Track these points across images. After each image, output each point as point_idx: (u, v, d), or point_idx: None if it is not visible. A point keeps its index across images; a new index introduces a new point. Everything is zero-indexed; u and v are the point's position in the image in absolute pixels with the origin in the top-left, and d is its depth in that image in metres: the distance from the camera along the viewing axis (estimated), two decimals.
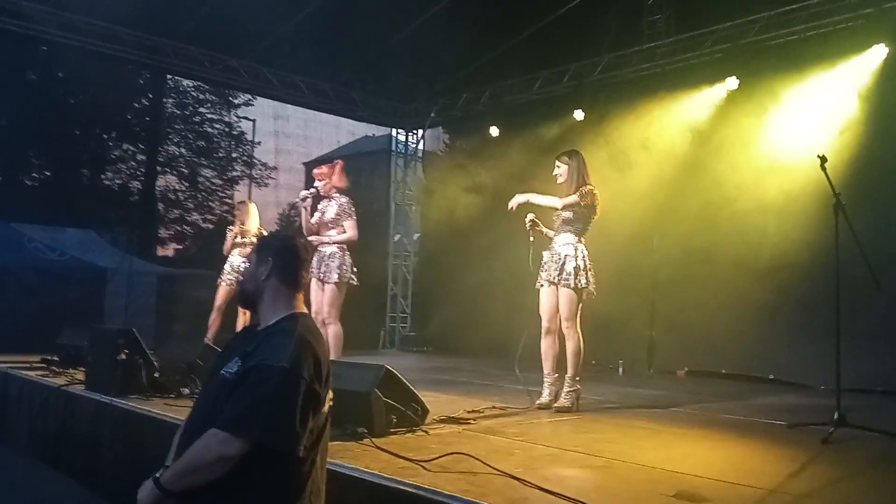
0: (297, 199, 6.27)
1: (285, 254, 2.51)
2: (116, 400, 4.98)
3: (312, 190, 6.20)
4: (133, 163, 22.57)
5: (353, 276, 6.05)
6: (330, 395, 2.41)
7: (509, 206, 5.40)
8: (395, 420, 3.99)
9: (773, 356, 7.93)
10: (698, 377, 8.35)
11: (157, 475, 2.22)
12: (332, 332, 5.89)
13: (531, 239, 5.41)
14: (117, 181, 22.32)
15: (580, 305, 5.23)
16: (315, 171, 6.33)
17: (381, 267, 12.72)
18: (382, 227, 13.12)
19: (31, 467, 5.55)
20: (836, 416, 4.33)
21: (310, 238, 6.06)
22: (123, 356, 5.18)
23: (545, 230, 5.44)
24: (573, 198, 5.23)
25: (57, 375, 6.23)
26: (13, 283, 9.55)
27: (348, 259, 6.07)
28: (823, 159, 4.54)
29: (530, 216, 5.42)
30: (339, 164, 6.32)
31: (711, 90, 8.60)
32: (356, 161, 24.11)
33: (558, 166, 5.43)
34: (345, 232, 6.06)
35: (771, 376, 7.90)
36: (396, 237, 13.05)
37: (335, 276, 5.93)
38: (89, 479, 4.97)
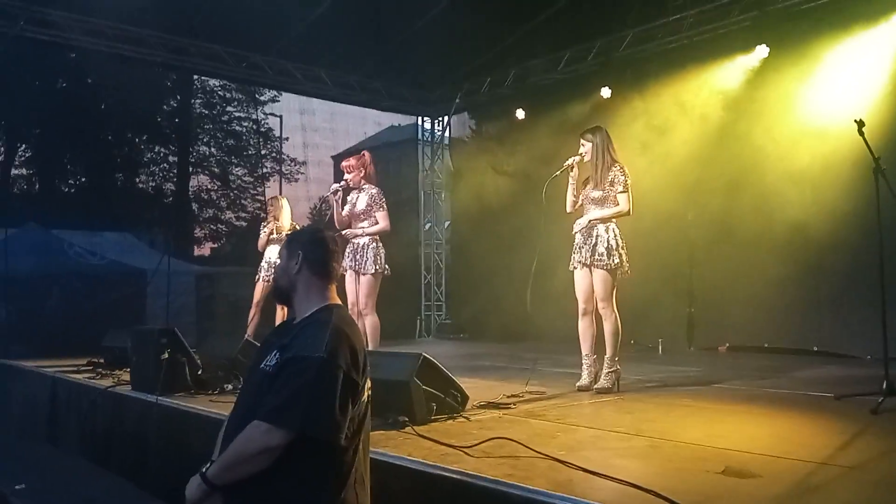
0: (328, 193, 6.29)
1: (314, 246, 2.54)
2: (162, 398, 5.05)
3: (342, 183, 6.23)
4: (165, 165, 22.92)
5: (387, 267, 6.07)
6: (368, 384, 2.43)
7: (576, 230, 5.32)
8: (435, 407, 4.00)
9: (817, 328, 7.78)
10: (740, 352, 8.24)
11: (204, 470, 2.26)
12: (369, 323, 5.92)
13: (556, 173, 5.32)
14: (151, 183, 22.70)
15: (615, 285, 5.18)
16: (343, 163, 6.36)
17: (414, 255, 12.75)
18: (412, 216, 13.14)
19: (82, 467, 5.68)
20: (885, 385, 4.23)
21: (343, 231, 6.10)
22: (167, 355, 5.25)
23: (572, 185, 5.37)
24: (624, 198, 5.16)
25: (103, 377, 6.36)
26: (57, 290, 9.77)
27: (382, 250, 6.09)
28: (861, 124, 4.43)
29: (575, 159, 5.34)
30: (366, 155, 6.34)
31: (744, 58, 8.39)
32: (383, 151, 24.14)
33: (583, 144, 5.37)
34: (377, 223, 6.08)
35: (815, 348, 7.76)
36: (427, 225, 13.06)
37: (371, 268, 5.96)
38: (138, 477, 5.06)
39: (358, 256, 6.02)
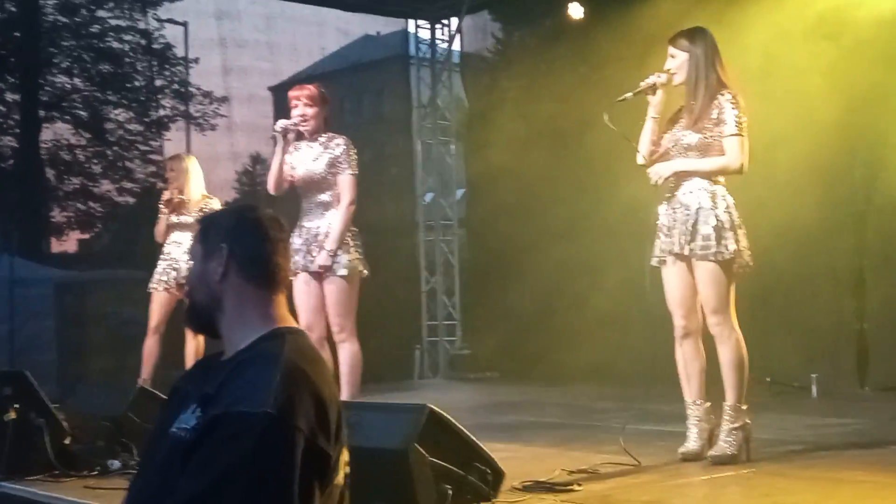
0: (276, 130, 6.19)
1: (246, 232, 2.52)
2: (6, 484, 5.07)
3: (295, 121, 6.17)
4: (1, 107, 22.98)
5: (364, 265, 6.12)
6: (345, 456, 2.44)
7: (653, 181, 5.36)
8: (450, 492, 4.01)
9: None
10: None
11: None
12: (345, 356, 6.00)
13: (626, 96, 5.36)
14: None
15: (733, 286, 5.19)
16: (294, 91, 6.27)
17: (408, 247, 12.75)
18: (403, 184, 13.13)
19: None
20: None
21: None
22: (13, 415, 5.28)
23: (653, 121, 5.39)
24: (735, 143, 5.14)
25: None
26: None
27: (357, 236, 6.14)
28: None
29: (659, 77, 5.36)
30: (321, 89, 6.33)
31: None
32: (353, 78, 24.13)
33: (672, 56, 5.39)
34: (340, 193, 6.08)
35: None
36: (428, 197, 13.06)
37: (342, 268, 5.98)
38: None
39: (316, 248, 6.05)
